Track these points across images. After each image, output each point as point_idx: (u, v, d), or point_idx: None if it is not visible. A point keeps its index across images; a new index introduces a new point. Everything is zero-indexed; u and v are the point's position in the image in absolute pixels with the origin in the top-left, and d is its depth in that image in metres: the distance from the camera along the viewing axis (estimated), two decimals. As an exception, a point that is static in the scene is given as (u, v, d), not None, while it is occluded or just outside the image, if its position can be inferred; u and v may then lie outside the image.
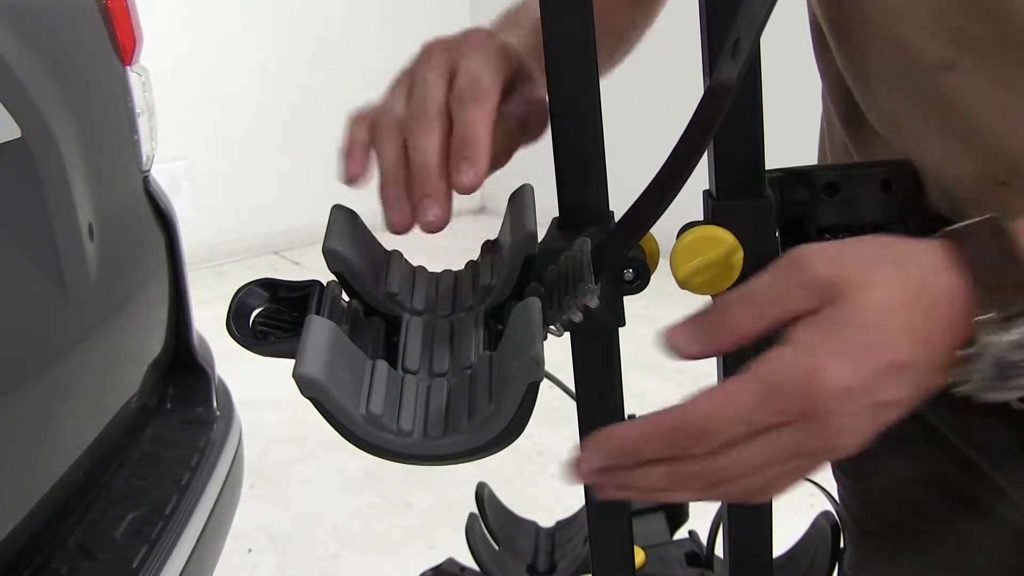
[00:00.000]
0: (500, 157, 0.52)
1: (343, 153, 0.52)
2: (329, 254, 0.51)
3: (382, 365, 0.48)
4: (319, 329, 0.46)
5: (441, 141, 0.49)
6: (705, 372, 0.54)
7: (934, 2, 0.53)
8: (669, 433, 0.40)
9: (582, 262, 0.47)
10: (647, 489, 0.42)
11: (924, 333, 0.41)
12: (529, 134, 0.55)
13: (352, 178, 0.52)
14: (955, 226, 0.43)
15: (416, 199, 0.49)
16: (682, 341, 0.43)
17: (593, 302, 0.45)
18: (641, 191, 0.46)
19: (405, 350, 0.50)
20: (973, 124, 0.54)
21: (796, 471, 0.42)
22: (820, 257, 0.42)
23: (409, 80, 0.52)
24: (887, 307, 0.41)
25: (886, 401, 0.41)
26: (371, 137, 0.52)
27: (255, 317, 0.51)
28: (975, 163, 0.54)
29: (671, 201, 0.44)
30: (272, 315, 0.51)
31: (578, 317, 0.46)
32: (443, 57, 0.52)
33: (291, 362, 0.45)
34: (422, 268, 0.56)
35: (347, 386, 0.45)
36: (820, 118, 0.72)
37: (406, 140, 0.50)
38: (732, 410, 0.40)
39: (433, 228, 0.49)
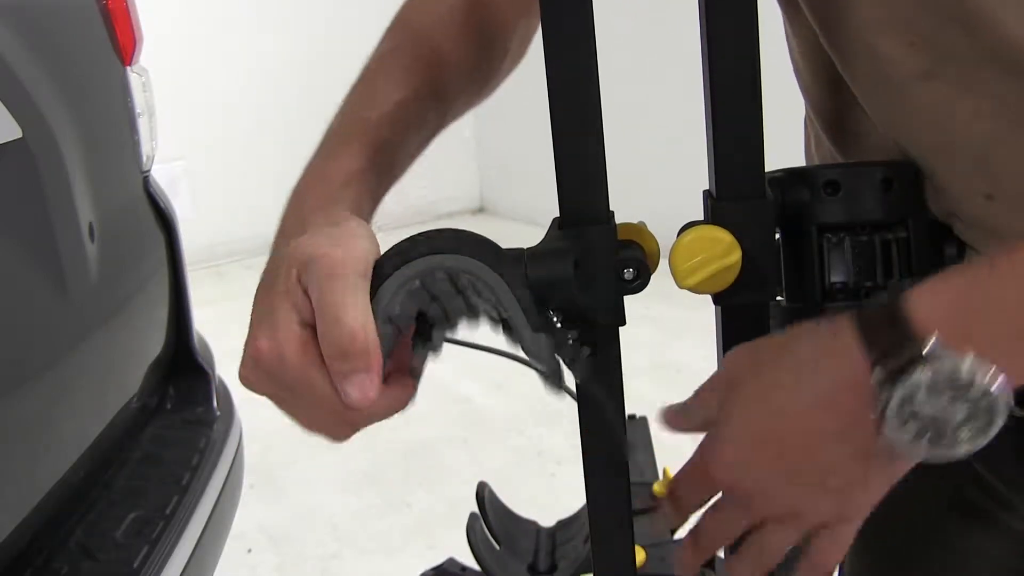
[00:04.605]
0: None
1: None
2: None
3: None
4: None
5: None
6: (706, 372, 0.55)
7: (909, 13, 0.53)
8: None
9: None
10: None
11: (839, 440, 0.47)
12: None
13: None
14: (862, 312, 0.46)
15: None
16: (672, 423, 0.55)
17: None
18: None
19: None
20: (953, 134, 0.54)
21: None
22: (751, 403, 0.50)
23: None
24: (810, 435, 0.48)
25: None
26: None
27: None
28: (960, 176, 0.55)
29: None
30: None
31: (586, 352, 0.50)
32: (299, 304, 0.49)
33: None
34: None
35: None
36: (804, 128, 0.72)
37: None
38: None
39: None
